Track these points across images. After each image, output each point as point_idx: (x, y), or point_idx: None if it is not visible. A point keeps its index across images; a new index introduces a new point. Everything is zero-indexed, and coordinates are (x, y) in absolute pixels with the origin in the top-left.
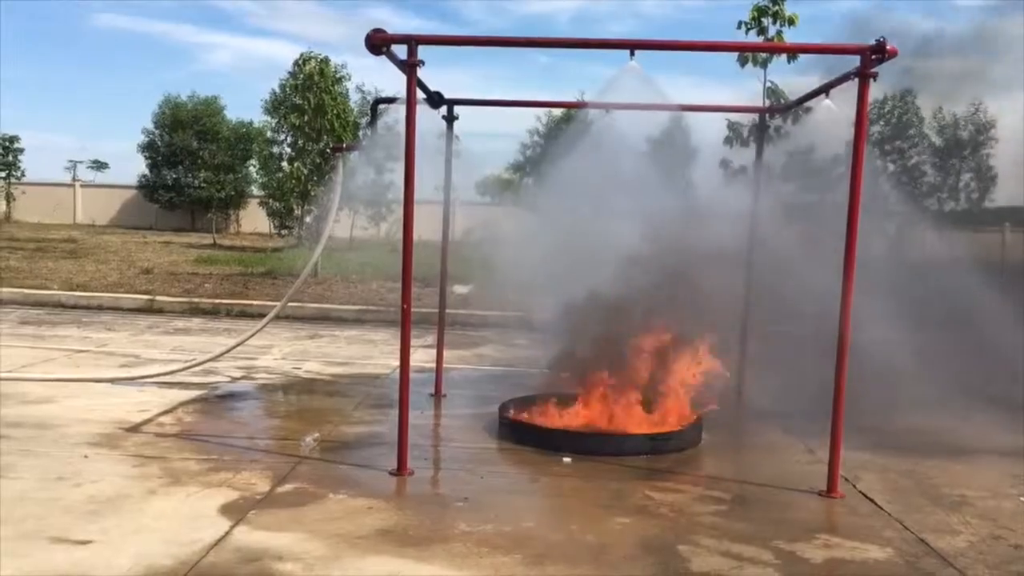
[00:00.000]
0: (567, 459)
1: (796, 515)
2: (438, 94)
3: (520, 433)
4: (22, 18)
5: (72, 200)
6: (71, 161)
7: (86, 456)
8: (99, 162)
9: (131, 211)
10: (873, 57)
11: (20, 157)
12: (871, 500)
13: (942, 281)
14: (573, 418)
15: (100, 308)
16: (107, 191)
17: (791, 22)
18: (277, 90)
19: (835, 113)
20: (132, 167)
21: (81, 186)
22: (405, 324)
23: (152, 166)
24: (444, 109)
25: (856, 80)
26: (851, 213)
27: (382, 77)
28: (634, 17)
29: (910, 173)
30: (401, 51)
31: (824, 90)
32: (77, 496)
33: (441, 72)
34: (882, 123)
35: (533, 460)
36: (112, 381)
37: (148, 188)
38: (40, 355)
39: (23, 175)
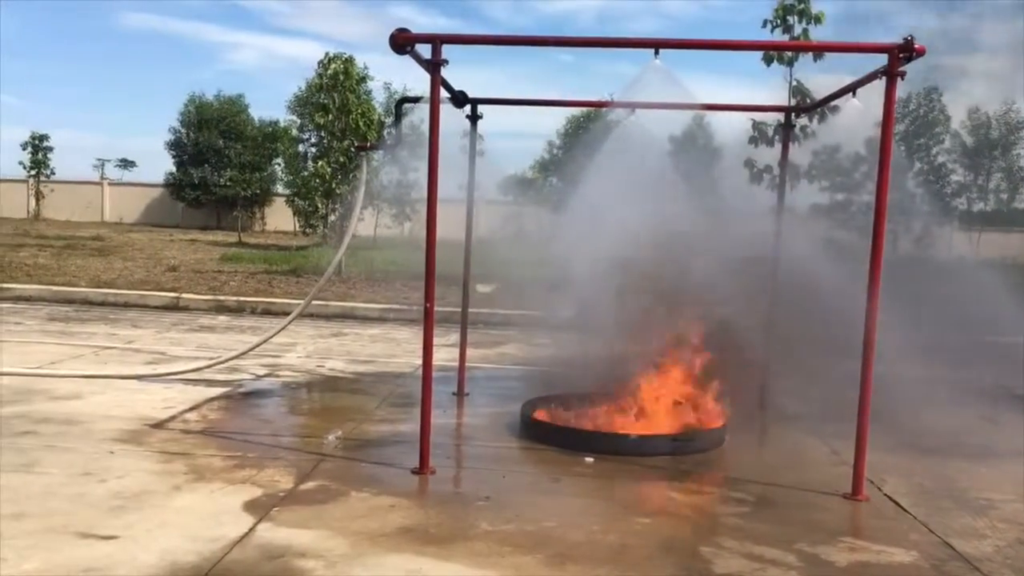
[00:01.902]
0: (589, 459)
1: (820, 517)
2: (462, 93)
3: (542, 432)
4: (52, 17)
5: (100, 198)
6: (99, 159)
7: (112, 452)
8: (127, 160)
9: (158, 209)
10: (901, 56)
11: (49, 155)
12: (896, 503)
13: (968, 281)
14: (595, 418)
15: (127, 305)
16: (134, 189)
17: (817, 20)
18: (302, 89)
19: (862, 112)
20: (159, 165)
21: (109, 184)
22: (428, 323)
23: (179, 164)
24: (468, 108)
25: (883, 79)
26: (878, 213)
27: (408, 75)
28: (658, 15)
29: (937, 172)
30: (425, 50)
31: (851, 89)
32: (103, 491)
33: (465, 71)
34: (907, 121)
35: (555, 460)
36: (138, 378)
37: (175, 186)
38: (68, 352)
39: (52, 173)
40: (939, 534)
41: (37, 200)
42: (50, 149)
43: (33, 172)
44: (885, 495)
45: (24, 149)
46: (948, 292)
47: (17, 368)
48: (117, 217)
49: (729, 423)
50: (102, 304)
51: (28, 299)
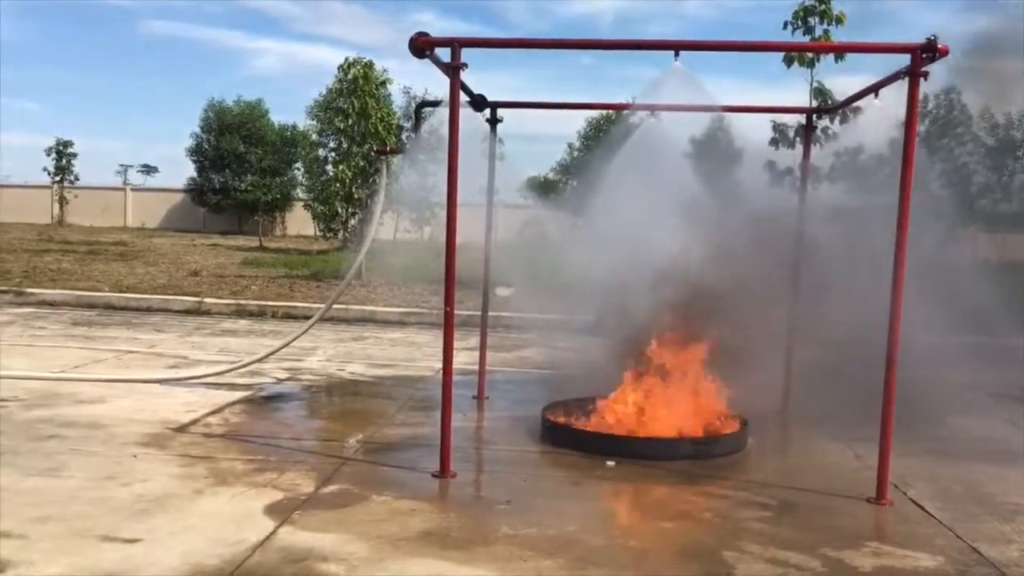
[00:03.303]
0: (610, 463)
1: (844, 522)
2: (481, 97)
3: (563, 436)
4: (76, 25)
5: (123, 203)
6: (122, 165)
7: (135, 456)
8: (149, 166)
9: (180, 214)
10: (924, 56)
11: (73, 161)
12: (921, 507)
13: (992, 283)
14: (616, 421)
15: (149, 310)
16: (157, 195)
17: (839, 21)
18: (323, 93)
19: (884, 113)
20: (181, 171)
21: (132, 190)
22: (448, 326)
23: (200, 170)
24: (487, 112)
25: (906, 79)
26: (901, 215)
27: (428, 80)
28: (677, 18)
29: (959, 172)
30: (444, 54)
31: (873, 90)
32: (126, 495)
33: (484, 75)
34: (928, 121)
35: (576, 464)
36: (161, 382)
37: (196, 191)
38: (91, 356)
39: (76, 179)
40: (965, 539)
41: (61, 205)
42: (74, 155)
43: (57, 178)
44: (910, 499)
45: (48, 155)
46: (971, 294)
47: (42, 372)
48: (140, 222)
49: (751, 427)
50: (124, 309)
51: (52, 304)
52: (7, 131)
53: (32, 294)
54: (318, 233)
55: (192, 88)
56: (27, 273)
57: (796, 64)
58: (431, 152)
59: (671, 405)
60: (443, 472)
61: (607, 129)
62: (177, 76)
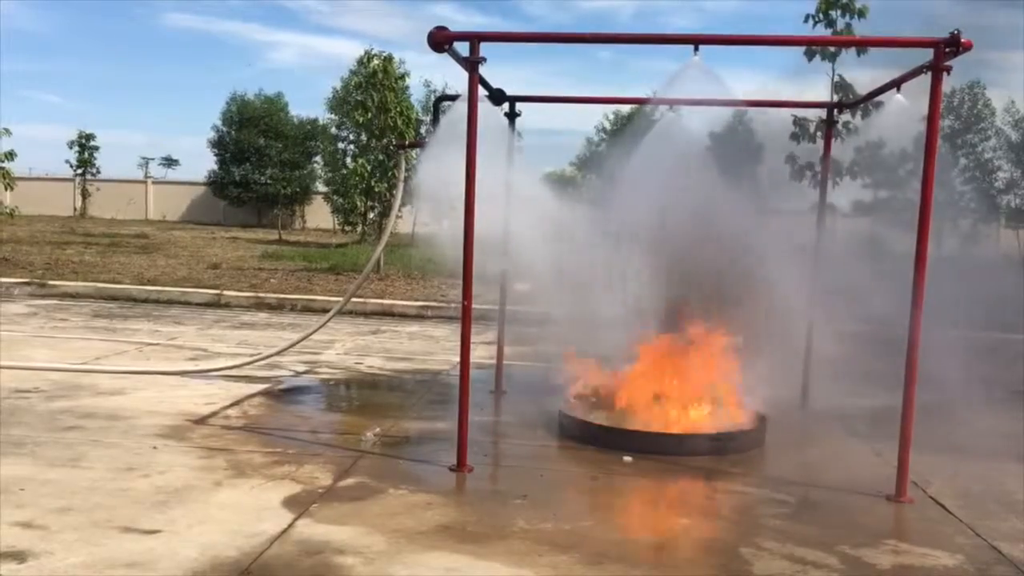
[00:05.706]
0: (627, 458)
1: (863, 519)
2: (500, 91)
3: (580, 431)
4: (98, 19)
5: (144, 196)
6: (144, 158)
7: (155, 447)
8: (170, 159)
9: (200, 207)
10: (947, 51)
11: (95, 154)
12: (941, 505)
13: (1015, 279)
14: (633, 415)
15: (170, 302)
16: (178, 187)
17: (861, 14)
18: (339, 88)
19: (906, 108)
20: (202, 163)
21: (153, 183)
22: (465, 320)
23: (221, 163)
24: (506, 106)
25: (928, 74)
26: (923, 211)
27: (447, 71)
28: (697, 11)
29: (983, 168)
30: (463, 48)
31: (895, 84)
32: (145, 486)
33: (503, 69)
34: (952, 116)
35: (593, 458)
36: (180, 374)
37: (217, 184)
38: (112, 348)
39: (98, 172)
40: (985, 537)
41: (83, 198)
42: (96, 148)
43: (79, 171)
44: (930, 497)
45: (71, 148)
46: (993, 290)
47: (64, 364)
48: (160, 215)
49: (769, 422)
50: (145, 301)
51: (74, 296)
52: (30, 124)
53: (54, 286)
54: (337, 226)
55: (212, 81)
56: (49, 265)
57: (818, 58)
58: (450, 146)
59: (688, 399)
60: (460, 466)
61: (628, 125)
62: (197, 69)
